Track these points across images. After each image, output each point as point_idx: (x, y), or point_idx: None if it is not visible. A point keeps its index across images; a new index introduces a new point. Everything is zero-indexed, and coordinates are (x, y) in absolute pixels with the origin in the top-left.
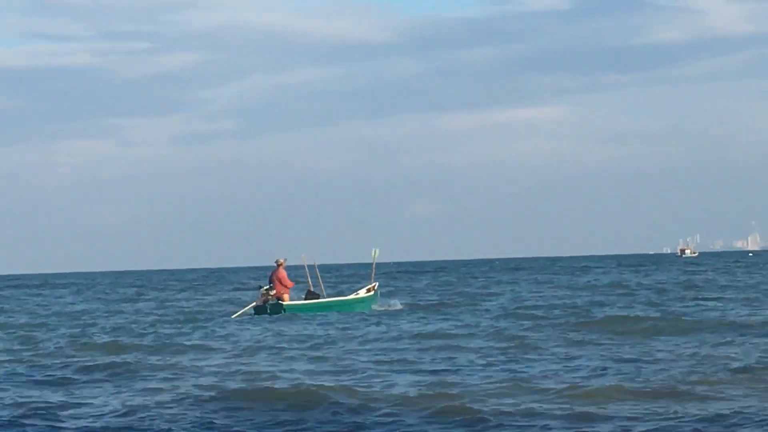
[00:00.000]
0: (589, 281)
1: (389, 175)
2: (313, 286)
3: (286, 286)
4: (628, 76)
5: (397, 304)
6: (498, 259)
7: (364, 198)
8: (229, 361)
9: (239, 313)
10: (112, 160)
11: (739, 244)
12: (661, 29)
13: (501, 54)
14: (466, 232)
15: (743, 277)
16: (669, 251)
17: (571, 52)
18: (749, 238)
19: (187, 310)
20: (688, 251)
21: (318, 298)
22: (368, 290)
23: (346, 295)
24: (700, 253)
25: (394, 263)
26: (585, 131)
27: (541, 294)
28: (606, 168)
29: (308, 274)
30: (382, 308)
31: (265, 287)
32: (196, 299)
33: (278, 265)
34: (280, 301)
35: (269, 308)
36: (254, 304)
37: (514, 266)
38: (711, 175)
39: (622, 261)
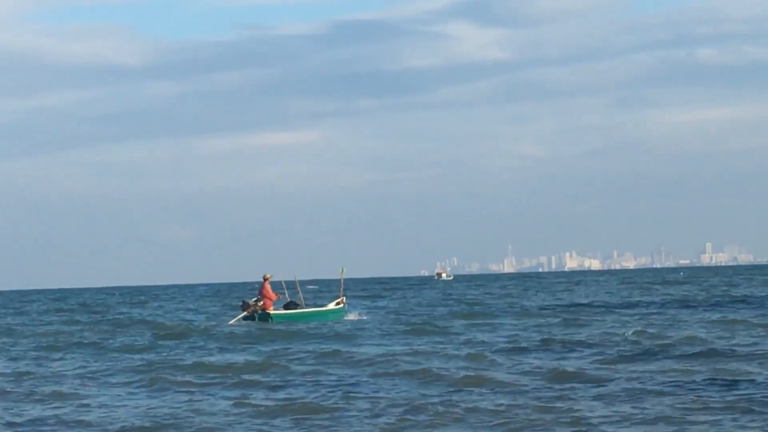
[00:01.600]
0: None
1: (143, 198)
2: (291, 297)
3: (270, 298)
4: (381, 101)
5: (362, 315)
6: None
7: (117, 221)
8: None
9: (234, 320)
10: None
11: (494, 268)
12: (415, 55)
13: (256, 78)
14: (221, 254)
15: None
16: (427, 274)
17: (325, 77)
18: (505, 261)
19: None
20: (444, 274)
21: (296, 308)
22: (337, 303)
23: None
24: (455, 275)
25: (161, 285)
26: (340, 155)
27: None
28: (361, 192)
29: (285, 287)
30: (354, 318)
31: (254, 299)
32: None
33: (265, 280)
34: (266, 311)
35: (257, 317)
36: (244, 313)
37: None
38: (467, 199)
39: (367, 285)
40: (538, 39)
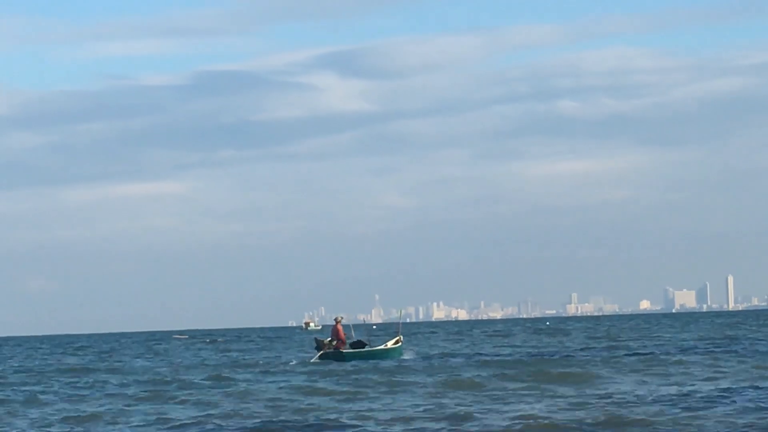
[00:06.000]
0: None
1: (2, 249)
2: (356, 338)
3: (342, 340)
4: (246, 152)
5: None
6: (127, 333)
7: None
8: None
9: (314, 359)
10: None
11: (362, 317)
12: (279, 107)
13: (119, 128)
14: (86, 305)
15: None
16: (295, 324)
17: (189, 128)
18: (372, 311)
19: None
20: (312, 324)
21: (363, 347)
22: (396, 341)
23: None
24: (323, 326)
25: (22, 336)
26: (204, 206)
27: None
28: (227, 243)
29: (353, 329)
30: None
31: (327, 339)
32: None
33: (337, 322)
34: (340, 351)
35: (332, 356)
36: (321, 353)
37: (145, 339)
38: (333, 250)
39: (242, 334)
40: (402, 91)
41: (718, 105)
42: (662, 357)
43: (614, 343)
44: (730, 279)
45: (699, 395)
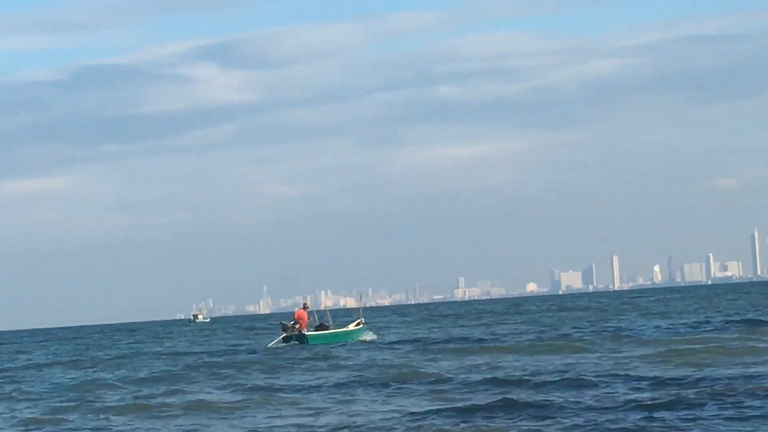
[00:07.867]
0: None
1: None
2: (319, 321)
3: (305, 321)
4: (128, 146)
5: (373, 335)
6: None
7: None
8: None
9: (273, 342)
10: None
11: (251, 309)
12: (160, 99)
13: None
14: None
15: None
16: (183, 317)
17: (70, 123)
18: (261, 302)
19: None
20: (200, 317)
21: (327, 329)
22: (357, 324)
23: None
24: (212, 318)
25: None
26: (90, 201)
27: None
28: (111, 237)
29: (315, 313)
30: (367, 338)
31: (291, 322)
32: None
33: (304, 307)
34: (302, 333)
35: (295, 338)
36: (284, 335)
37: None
38: (220, 241)
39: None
40: (284, 80)
41: (597, 86)
42: None
43: None
44: (615, 259)
45: None
